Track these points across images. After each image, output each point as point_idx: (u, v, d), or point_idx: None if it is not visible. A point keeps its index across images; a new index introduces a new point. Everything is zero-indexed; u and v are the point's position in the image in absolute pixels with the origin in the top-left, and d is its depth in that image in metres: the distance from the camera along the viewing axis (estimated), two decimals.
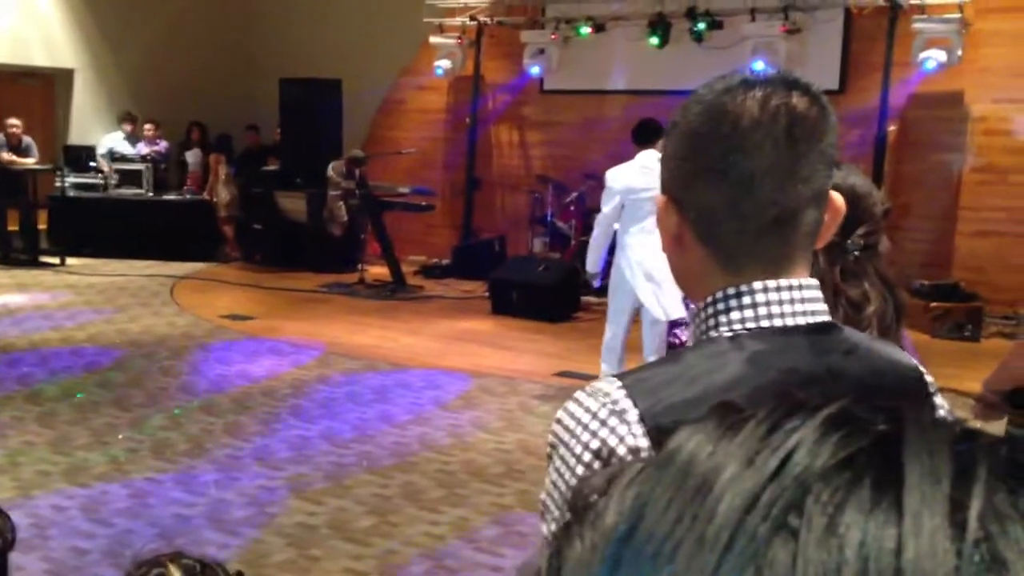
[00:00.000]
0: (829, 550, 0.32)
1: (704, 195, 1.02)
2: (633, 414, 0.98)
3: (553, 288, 9.13)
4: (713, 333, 1.04)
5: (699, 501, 0.35)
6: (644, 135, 6.15)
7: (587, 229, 10.51)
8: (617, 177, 6.04)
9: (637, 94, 11.18)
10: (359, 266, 10.61)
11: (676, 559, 0.34)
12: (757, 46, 9.63)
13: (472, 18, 11.73)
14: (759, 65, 9.39)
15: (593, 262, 6.33)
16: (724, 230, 1.02)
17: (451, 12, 11.86)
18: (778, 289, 1.03)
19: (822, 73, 9.41)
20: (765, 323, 1.02)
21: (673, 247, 1.07)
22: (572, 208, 10.70)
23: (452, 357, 7.63)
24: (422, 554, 4.14)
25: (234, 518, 4.44)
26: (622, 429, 0.98)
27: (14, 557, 1.56)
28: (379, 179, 11.31)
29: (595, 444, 0.98)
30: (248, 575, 1.49)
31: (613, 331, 6.15)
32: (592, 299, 9.94)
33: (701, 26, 10.16)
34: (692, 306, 1.10)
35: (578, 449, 0.99)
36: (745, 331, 1.02)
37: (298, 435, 5.63)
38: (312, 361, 7.38)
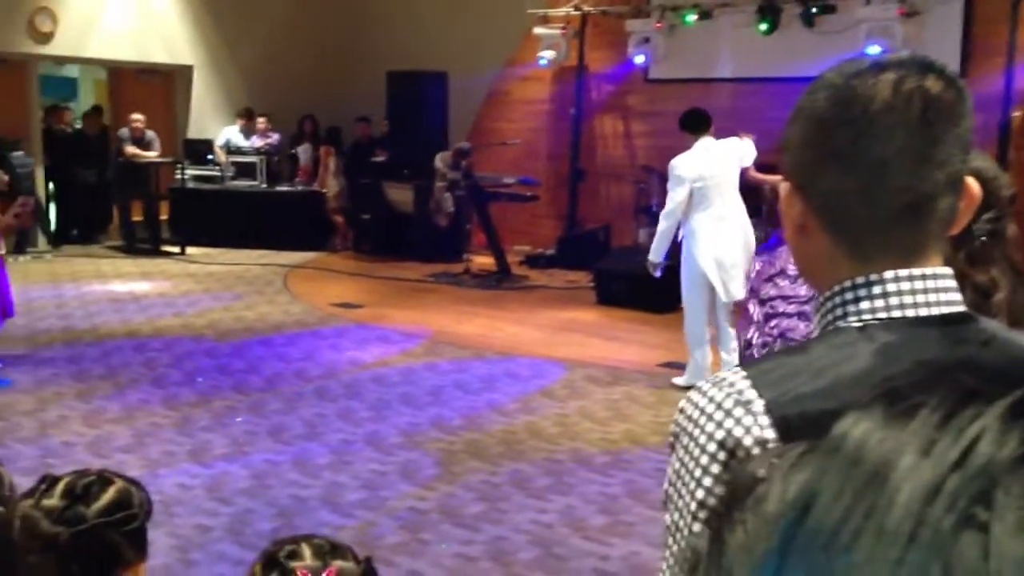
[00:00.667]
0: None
1: (832, 182, 1.00)
2: (759, 405, 0.97)
3: (659, 279, 9.06)
4: (841, 324, 1.02)
5: (875, 490, 0.34)
6: (696, 123, 6.35)
7: None
8: (685, 165, 6.20)
9: (744, 82, 11.00)
10: (465, 256, 10.74)
11: (854, 550, 0.33)
12: (872, 30, 9.35)
13: (576, 8, 11.72)
14: (874, 50, 9.13)
15: (660, 252, 6.48)
16: (853, 218, 1.00)
17: (555, 2, 11.87)
18: (910, 278, 1.00)
19: (941, 57, 8.86)
20: (896, 313, 1.00)
21: (797, 236, 1.05)
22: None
23: (557, 347, 7.68)
24: (531, 541, 4.19)
25: (348, 500, 4.57)
26: (748, 420, 0.97)
27: None
28: (484, 170, 11.42)
29: (720, 434, 0.98)
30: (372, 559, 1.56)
31: (691, 317, 6.36)
32: None
33: (813, 10, 9.93)
34: (816, 297, 1.09)
35: (702, 439, 0.99)
36: (875, 321, 1.00)
37: (407, 421, 5.76)
38: (420, 349, 7.53)
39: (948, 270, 1.03)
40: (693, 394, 1.03)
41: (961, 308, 1.03)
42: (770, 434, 0.96)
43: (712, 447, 0.98)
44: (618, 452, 5.31)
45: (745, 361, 6.83)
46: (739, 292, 5.97)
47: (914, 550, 0.32)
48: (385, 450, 5.27)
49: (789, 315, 7.00)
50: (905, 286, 1.00)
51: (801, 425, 0.94)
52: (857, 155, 0.98)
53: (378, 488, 4.73)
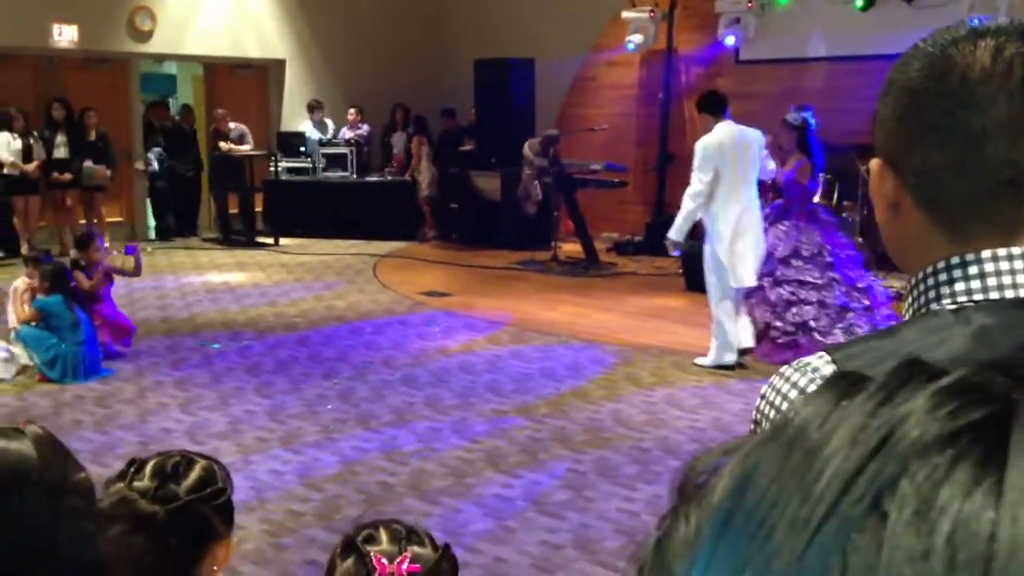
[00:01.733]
0: (918, 535, 0.29)
1: (927, 156, 0.95)
2: None
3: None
4: (934, 306, 0.97)
5: (801, 475, 0.33)
6: (716, 105, 6.49)
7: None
8: (713, 146, 6.31)
9: (839, 60, 10.70)
10: (552, 243, 10.72)
11: (771, 539, 0.32)
12: (975, 3, 8.98)
13: None
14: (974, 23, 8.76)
15: (683, 232, 6.58)
16: (950, 194, 0.95)
17: None
18: (1010, 258, 0.94)
19: None
20: (995, 295, 0.94)
21: (888, 215, 1.00)
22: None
23: (645, 334, 7.60)
24: (616, 530, 4.16)
25: (433, 488, 4.61)
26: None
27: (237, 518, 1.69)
28: (572, 156, 11.36)
29: None
30: (451, 545, 1.55)
31: (717, 296, 6.48)
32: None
33: None
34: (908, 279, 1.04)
35: None
36: (971, 303, 0.94)
37: (493, 409, 5.77)
38: (507, 337, 7.54)
39: None
40: (775, 379, 0.99)
41: None
42: None
43: None
44: (705, 440, 5.22)
45: (761, 343, 6.77)
46: (749, 279, 6.42)
47: (817, 541, 0.31)
48: (471, 438, 5.29)
49: (810, 303, 7.09)
50: (1004, 266, 0.94)
51: None
52: (954, 127, 0.92)
53: (464, 475, 4.75)
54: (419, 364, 6.76)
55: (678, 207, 8.00)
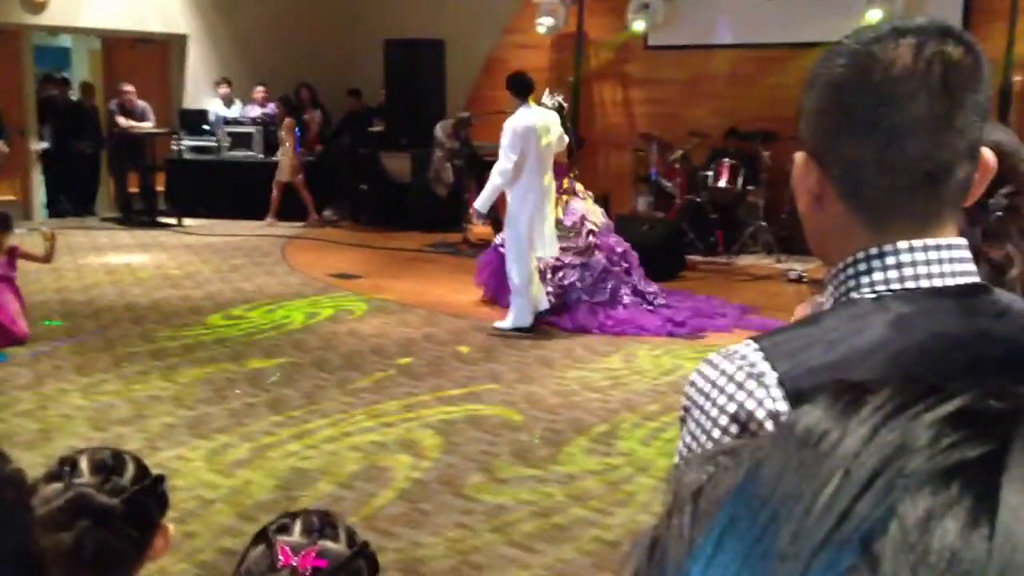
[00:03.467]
0: (910, 566, 0.31)
1: (850, 149, 0.98)
2: (771, 377, 0.95)
3: (658, 247, 9.04)
4: (855, 295, 1.00)
5: (804, 484, 0.34)
6: (524, 87, 6.94)
7: (693, 188, 10.40)
8: (519, 130, 6.76)
9: (745, 48, 10.91)
10: (463, 226, 10.70)
11: (775, 545, 0.33)
12: None
13: None
14: (875, 14, 9.05)
15: (488, 204, 7.16)
16: (872, 186, 0.98)
17: None
18: (925, 248, 0.98)
19: None
20: (911, 284, 0.98)
21: (812, 206, 1.03)
22: (677, 166, 10.54)
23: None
24: (533, 512, 4.19)
25: (347, 472, 4.57)
26: (760, 392, 0.95)
27: None
28: (483, 139, 11.34)
29: (732, 407, 0.96)
30: (358, 531, 1.53)
31: (518, 267, 6.93)
32: (698, 258, 9.83)
33: None
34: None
35: (714, 412, 0.97)
36: (889, 292, 0.98)
37: (406, 392, 5.75)
38: (418, 319, 7.51)
39: (963, 241, 1.01)
40: (703, 366, 1.01)
41: (976, 279, 1.01)
42: (783, 406, 0.95)
43: (724, 420, 0.97)
44: (617, 421, 5.31)
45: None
46: (551, 249, 7.05)
47: (815, 568, 0.32)
48: (385, 421, 5.26)
49: (573, 266, 7.99)
50: (920, 256, 0.99)
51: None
52: (876, 122, 0.96)
53: (376, 459, 4.73)
54: (330, 347, 6.68)
55: (589, 190, 8.20)
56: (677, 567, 0.36)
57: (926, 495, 0.32)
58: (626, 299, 7.51)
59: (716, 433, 0.97)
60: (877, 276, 0.99)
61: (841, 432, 0.34)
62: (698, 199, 10.30)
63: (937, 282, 0.98)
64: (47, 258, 6.97)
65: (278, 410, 5.39)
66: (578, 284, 7.39)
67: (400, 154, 11.76)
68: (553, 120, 7.05)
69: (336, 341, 6.84)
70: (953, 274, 0.99)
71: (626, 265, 7.66)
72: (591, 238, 7.54)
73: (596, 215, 7.85)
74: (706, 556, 0.35)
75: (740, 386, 0.96)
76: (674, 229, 9.67)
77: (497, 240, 7.76)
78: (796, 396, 0.94)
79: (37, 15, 11.75)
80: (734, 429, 0.96)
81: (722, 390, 0.97)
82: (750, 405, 0.95)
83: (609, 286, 7.47)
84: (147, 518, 1.58)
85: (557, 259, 7.32)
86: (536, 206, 6.89)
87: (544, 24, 11.71)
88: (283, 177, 11.96)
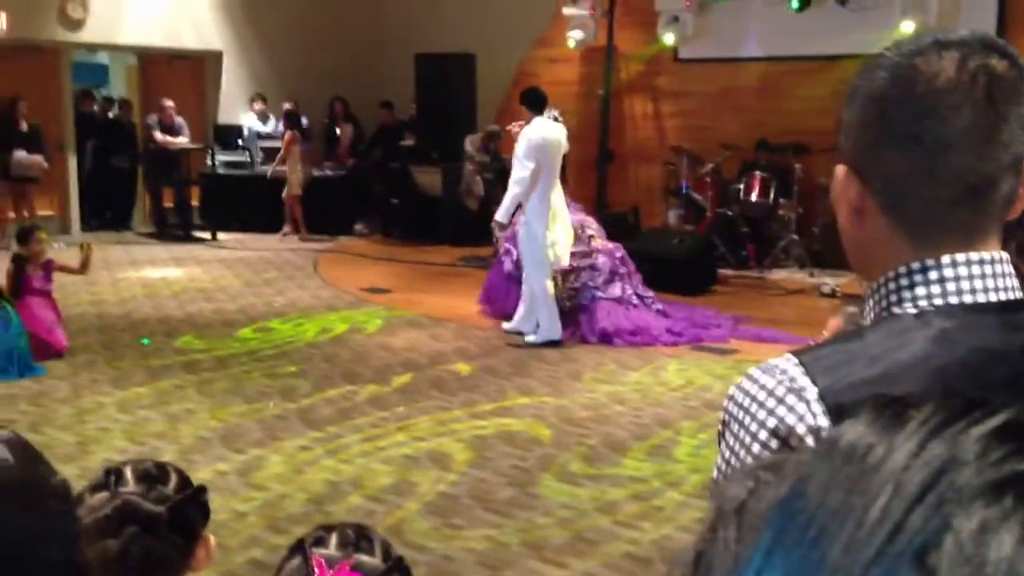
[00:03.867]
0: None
1: (892, 163, 0.97)
2: (812, 392, 0.94)
3: (688, 261, 9.03)
4: (896, 310, 1.00)
5: (854, 496, 0.34)
6: (539, 101, 7.24)
7: (724, 201, 10.36)
8: (535, 140, 7.00)
9: (775, 60, 10.88)
10: (494, 239, 10.71)
11: (827, 557, 0.33)
12: (906, 5, 9.19)
13: None
14: (908, 25, 8.99)
15: (509, 215, 7.24)
16: (914, 200, 0.98)
17: None
18: (968, 263, 0.98)
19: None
20: (954, 299, 0.98)
21: (852, 220, 1.02)
22: (708, 179, 10.52)
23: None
24: (562, 526, 4.19)
25: (379, 485, 4.59)
26: (801, 407, 0.94)
27: None
28: (512, 152, 11.36)
29: (772, 422, 0.95)
30: (395, 545, 1.55)
31: (538, 279, 7.16)
32: (729, 272, 9.79)
33: None
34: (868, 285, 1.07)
35: (753, 427, 0.96)
36: (931, 308, 0.98)
37: (439, 405, 5.77)
38: (449, 333, 7.53)
39: (1006, 255, 1.00)
40: (744, 381, 1.01)
41: (1019, 294, 1.00)
42: (823, 421, 0.94)
43: (763, 435, 0.96)
44: (650, 437, 5.30)
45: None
46: (565, 258, 7.23)
47: (885, 556, 0.32)
48: (416, 435, 5.28)
49: (583, 268, 8.30)
50: (963, 271, 0.98)
51: None
52: (920, 135, 0.95)
53: (408, 473, 4.75)
54: (361, 360, 6.72)
55: (619, 204, 8.20)
56: None
57: (979, 508, 0.32)
58: (634, 299, 7.62)
59: (756, 448, 0.96)
60: (920, 291, 0.99)
61: (888, 447, 0.35)
62: (729, 212, 10.26)
63: (980, 297, 0.98)
64: (82, 269, 7.07)
65: (310, 423, 5.44)
66: (590, 283, 7.53)
67: (431, 168, 11.82)
68: (562, 132, 7.30)
69: (367, 354, 6.88)
70: (996, 289, 0.98)
71: (625, 269, 7.79)
72: (592, 243, 7.71)
73: (591, 222, 8.10)
74: (755, 570, 0.35)
75: (780, 401, 0.95)
76: (705, 243, 9.64)
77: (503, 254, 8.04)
78: (837, 411, 0.93)
79: (76, 32, 11.96)
80: (774, 444, 0.95)
81: (762, 404, 0.96)
82: (791, 420, 0.94)
83: (618, 286, 7.60)
84: (190, 527, 1.62)
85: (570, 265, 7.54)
86: (551, 212, 7.09)
87: (574, 37, 11.74)
88: (295, 191, 12.03)
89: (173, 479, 1.64)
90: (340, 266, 10.46)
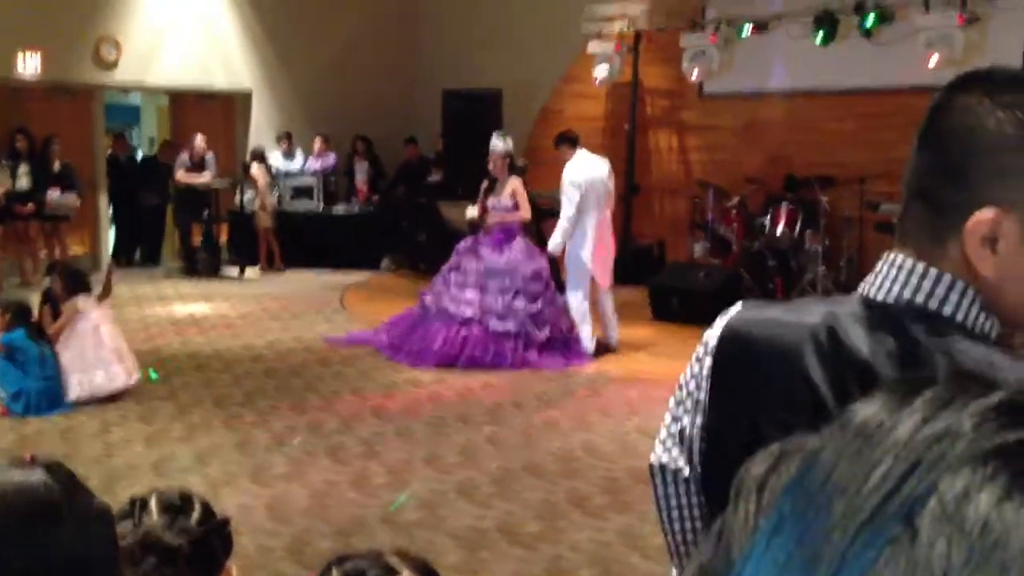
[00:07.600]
0: (947, 551, 0.33)
1: None
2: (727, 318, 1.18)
3: (715, 294, 8.97)
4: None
5: (858, 464, 0.36)
6: (573, 139, 8.00)
7: (750, 234, 10.33)
8: (579, 175, 7.68)
9: (800, 94, 10.88)
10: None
11: (829, 517, 0.36)
12: (931, 39, 9.16)
13: (630, 24, 11.69)
14: (933, 59, 8.97)
15: (560, 247, 7.86)
16: None
17: (609, 19, 11.85)
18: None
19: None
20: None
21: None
22: (734, 212, 10.50)
23: (612, 363, 7.62)
24: (589, 560, 4.15)
25: (406, 519, 4.58)
26: (716, 329, 1.19)
27: None
28: (539, 187, 11.42)
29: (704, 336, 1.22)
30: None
31: (578, 301, 7.82)
32: None
33: (870, 20, 9.77)
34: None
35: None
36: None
37: (466, 438, 5.76)
38: (476, 368, 7.52)
39: None
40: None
41: None
42: (714, 335, 1.19)
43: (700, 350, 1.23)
44: None
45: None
46: (606, 281, 7.94)
47: (861, 540, 0.35)
48: (443, 469, 5.26)
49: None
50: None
51: (739, 324, 1.15)
52: None
53: (436, 507, 4.73)
54: (389, 395, 6.72)
55: (644, 237, 8.25)
56: (740, 550, 0.39)
57: (965, 473, 0.34)
58: None
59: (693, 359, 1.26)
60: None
61: (894, 422, 0.37)
62: (755, 245, 10.23)
63: None
64: (105, 292, 7.06)
65: (337, 458, 5.44)
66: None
67: (459, 203, 11.87)
68: (604, 167, 7.92)
69: (393, 389, 6.89)
70: None
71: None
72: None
73: None
74: (766, 538, 0.38)
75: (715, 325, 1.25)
76: (732, 276, 9.60)
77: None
78: (728, 328, 1.19)
79: (109, 73, 12.19)
80: (701, 351, 1.23)
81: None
82: (707, 335, 1.25)
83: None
84: (212, 559, 1.61)
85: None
86: (595, 239, 7.69)
87: (600, 73, 11.81)
88: (264, 224, 12.23)
89: (197, 510, 1.63)
90: (367, 301, 10.51)
